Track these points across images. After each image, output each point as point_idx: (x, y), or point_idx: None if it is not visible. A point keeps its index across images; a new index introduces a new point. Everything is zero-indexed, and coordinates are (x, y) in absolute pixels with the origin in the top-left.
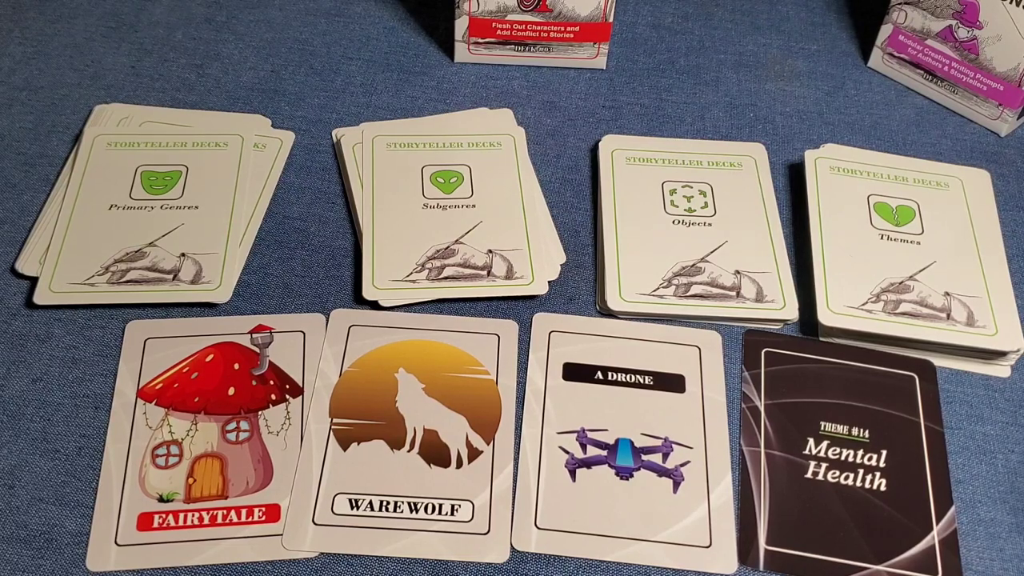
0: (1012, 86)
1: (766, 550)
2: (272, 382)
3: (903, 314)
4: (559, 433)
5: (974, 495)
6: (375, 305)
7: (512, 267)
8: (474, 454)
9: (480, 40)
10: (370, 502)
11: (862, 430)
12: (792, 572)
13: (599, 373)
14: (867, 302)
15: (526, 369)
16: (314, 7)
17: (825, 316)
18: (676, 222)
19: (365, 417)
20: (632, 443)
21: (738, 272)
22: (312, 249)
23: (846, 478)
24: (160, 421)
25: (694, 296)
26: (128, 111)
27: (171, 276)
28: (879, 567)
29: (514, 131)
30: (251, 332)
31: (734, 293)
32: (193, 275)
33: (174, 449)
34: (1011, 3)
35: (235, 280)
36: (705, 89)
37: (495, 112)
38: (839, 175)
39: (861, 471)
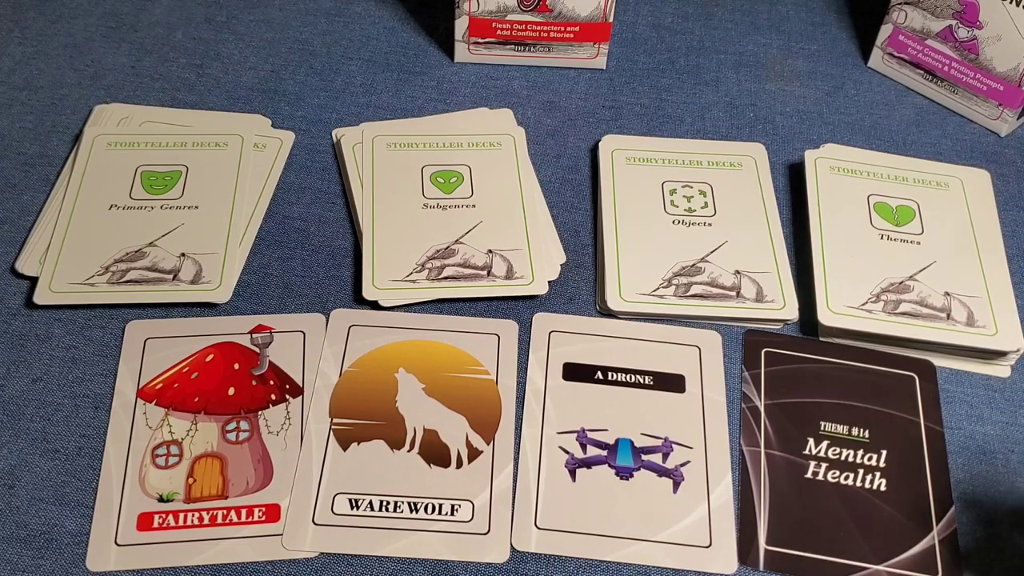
0: (1012, 86)
1: (766, 550)
2: (272, 382)
3: (903, 314)
4: (559, 433)
5: (974, 495)
6: (375, 305)
7: (512, 267)
8: (474, 454)
9: (480, 40)
10: (370, 502)
11: (862, 430)
12: (792, 572)
13: (599, 373)
14: (867, 302)
15: (526, 369)
16: (314, 7)
17: (825, 316)
18: (676, 222)
19: (365, 417)
20: (632, 443)
21: (738, 272)
22: (312, 249)
23: (846, 478)
24: (160, 421)
25: (694, 296)
26: (128, 111)
27: (171, 276)
28: (879, 567)
29: (514, 131)
30: (251, 332)
31: (734, 293)
32: (193, 275)
33: (174, 449)
34: (1011, 3)
35: (235, 280)
36: (705, 89)
37: (495, 112)
38: (839, 175)
39: (861, 471)
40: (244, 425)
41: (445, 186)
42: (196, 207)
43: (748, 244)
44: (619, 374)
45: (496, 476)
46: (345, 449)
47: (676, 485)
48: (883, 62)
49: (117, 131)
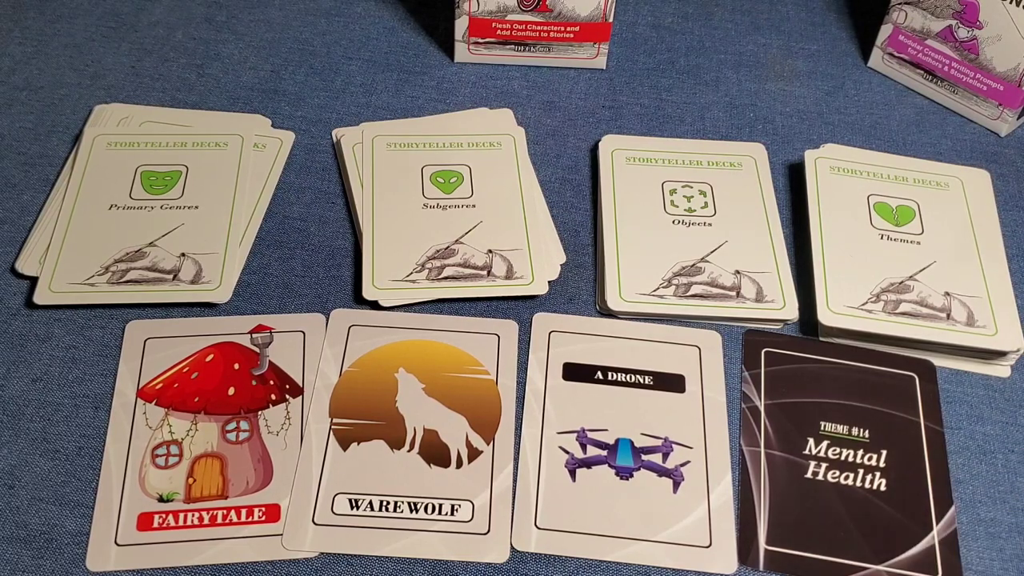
0: (1012, 86)
1: (766, 550)
2: (272, 382)
3: (903, 314)
4: (559, 433)
5: (974, 495)
6: (375, 305)
7: (512, 267)
8: (474, 454)
9: (480, 40)
10: (370, 502)
11: (862, 430)
12: (792, 572)
13: (599, 373)
14: (867, 302)
15: (526, 369)
16: (314, 7)
17: (825, 316)
18: (676, 222)
19: (365, 417)
20: (632, 443)
21: (738, 272)
22: (312, 249)
23: (846, 478)
24: (160, 421)
25: (694, 296)
26: (128, 111)
27: (171, 276)
28: (879, 567)
29: (514, 131)
30: (251, 332)
31: (734, 293)
32: (193, 275)
33: (174, 449)
34: (1011, 3)
35: (235, 280)
36: (705, 89)
37: (495, 112)
38: (839, 175)
39: (861, 471)
40: (244, 425)
41: (445, 186)
42: (196, 207)
43: (748, 244)
44: (619, 374)
45: (496, 476)
46: (345, 449)
47: (676, 485)
48: (883, 62)
49: (117, 131)
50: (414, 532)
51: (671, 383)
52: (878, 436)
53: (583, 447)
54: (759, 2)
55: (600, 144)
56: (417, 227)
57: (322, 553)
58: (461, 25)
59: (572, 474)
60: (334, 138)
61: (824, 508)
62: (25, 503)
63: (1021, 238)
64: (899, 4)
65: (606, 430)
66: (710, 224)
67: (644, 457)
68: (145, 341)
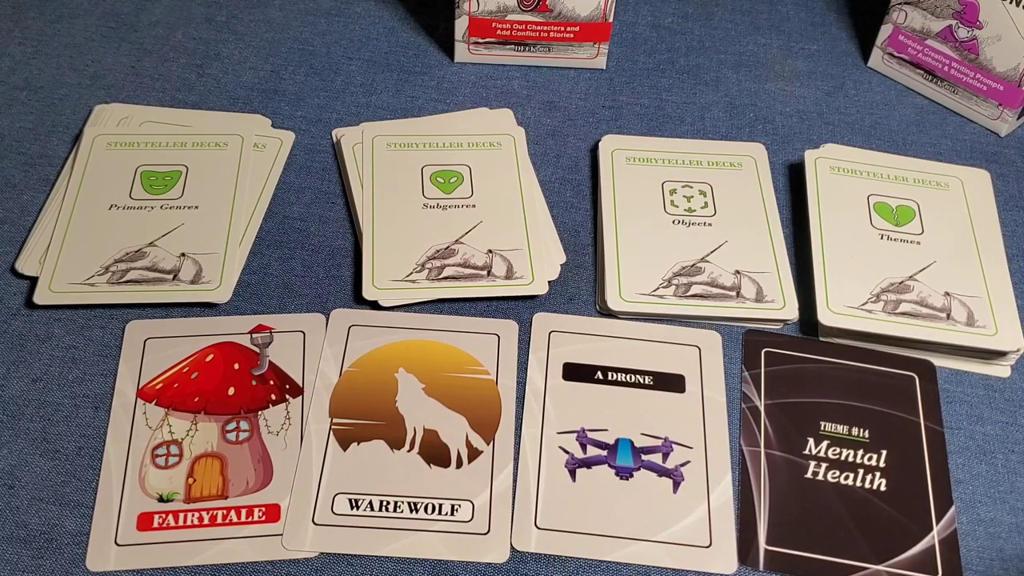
0: (1012, 86)
1: (766, 550)
2: (272, 382)
3: (903, 314)
4: (559, 433)
5: (974, 495)
6: (375, 305)
7: (512, 267)
8: (474, 454)
9: (480, 40)
10: (370, 502)
11: (862, 430)
12: (792, 572)
13: (599, 373)
14: (867, 302)
15: (526, 369)
16: (314, 7)
17: (825, 316)
18: (676, 222)
19: (365, 417)
20: (632, 443)
21: (738, 272)
22: (312, 249)
23: (846, 478)
24: (160, 421)
25: (694, 296)
26: (128, 111)
27: (171, 276)
28: (879, 567)
29: (514, 131)
30: (251, 332)
31: (734, 293)
32: (193, 275)
33: (174, 449)
34: (1011, 3)
35: (235, 280)
36: (705, 89)
37: (495, 112)
38: (839, 175)
39: (861, 471)
40: (244, 425)
41: (445, 186)
42: (196, 207)
43: (748, 244)
44: (619, 374)
45: (496, 476)
46: (345, 449)
47: (676, 485)
48: (883, 62)
49: (117, 131)
50: (414, 532)
51: (671, 383)
52: (878, 436)
53: (583, 447)
54: (759, 2)
55: (600, 144)
56: (417, 227)
57: (322, 553)
58: (461, 25)
59: (572, 474)
60: (334, 138)
61: (824, 508)
62: (25, 503)
63: (1021, 238)
64: (899, 4)
65: (606, 430)
66: (710, 224)
67: (644, 457)
68: (145, 341)
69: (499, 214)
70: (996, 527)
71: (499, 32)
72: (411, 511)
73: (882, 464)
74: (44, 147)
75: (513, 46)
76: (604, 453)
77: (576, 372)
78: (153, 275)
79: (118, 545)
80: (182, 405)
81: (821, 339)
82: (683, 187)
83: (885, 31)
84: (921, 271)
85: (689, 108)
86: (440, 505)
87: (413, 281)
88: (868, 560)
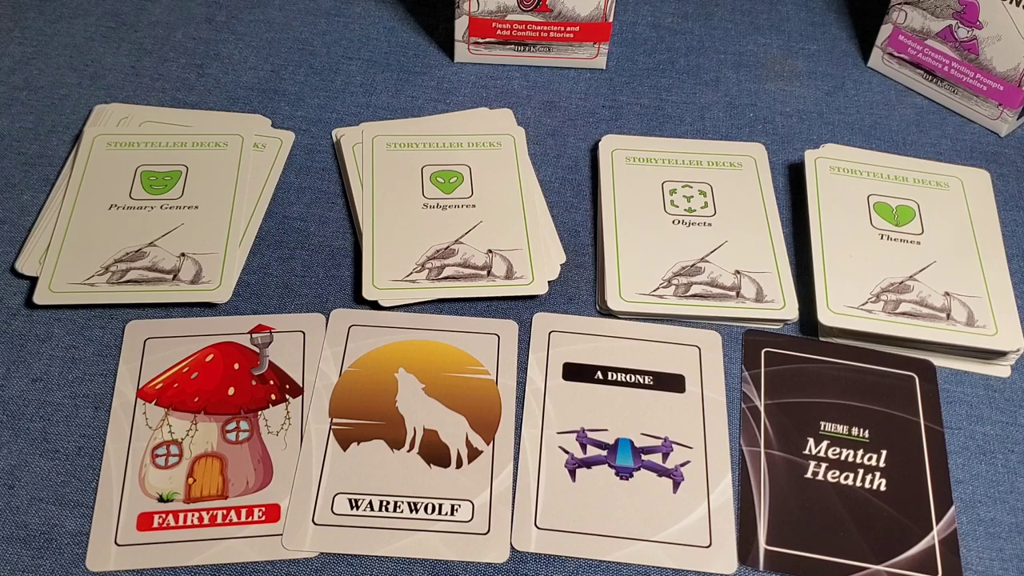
0: (1012, 86)
1: (766, 550)
2: (272, 382)
3: (903, 314)
4: (559, 433)
5: (974, 495)
6: (375, 305)
7: (512, 267)
8: (474, 454)
9: (480, 40)
10: (370, 502)
11: (862, 430)
12: (792, 572)
13: (599, 373)
14: (867, 302)
15: (526, 369)
16: (314, 7)
17: (825, 316)
18: (676, 222)
19: (365, 417)
20: (632, 443)
21: (738, 272)
22: (312, 249)
23: (846, 478)
24: (160, 421)
25: (694, 296)
26: (128, 111)
27: (171, 276)
28: (879, 567)
29: (514, 131)
30: (251, 332)
31: (734, 293)
32: (193, 275)
33: (174, 449)
34: (1011, 3)
35: (235, 280)
36: (705, 89)
37: (495, 112)
38: (839, 175)
39: (861, 471)
40: (244, 425)
41: (445, 186)
42: (196, 207)
43: (748, 244)
44: (619, 374)
45: (496, 476)
46: (345, 449)
47: (676, 485)
48: (883, 62)
49: (117, 131)
50: (414, 532)
51: (671, 383)
52: (878, 436)
53: (583, 447)
54: (759, 2)
55: (600, 144)
56: (417, 227)
57: (322, 553)
58: (461, 25)
59: (572, 474)
60: (334, 138)
61: (824, 508)
62: (25, 503)
63: (1021, 238)
64: (899, 4)
65: (606, 430)
66: (710, 224)
67: (644, 457)
68: (145, 341)
69: (499, 214)
70: (996, 527)
71: (499, 32)
72: (411, 511)
73: (882, 464)
74: (44, 147)
75: (513, 46)
76: (604, 453)
77: (576, 372)
78: (153, 275)
79: (118, 545)
80: (182, 405)
81: (821, 339)
82: (683, 187)
83: (885, 31)
84: (921, 271)
85: (689, 108)
86: (440, 505)
87: (413, 281)
88: (868, 560)
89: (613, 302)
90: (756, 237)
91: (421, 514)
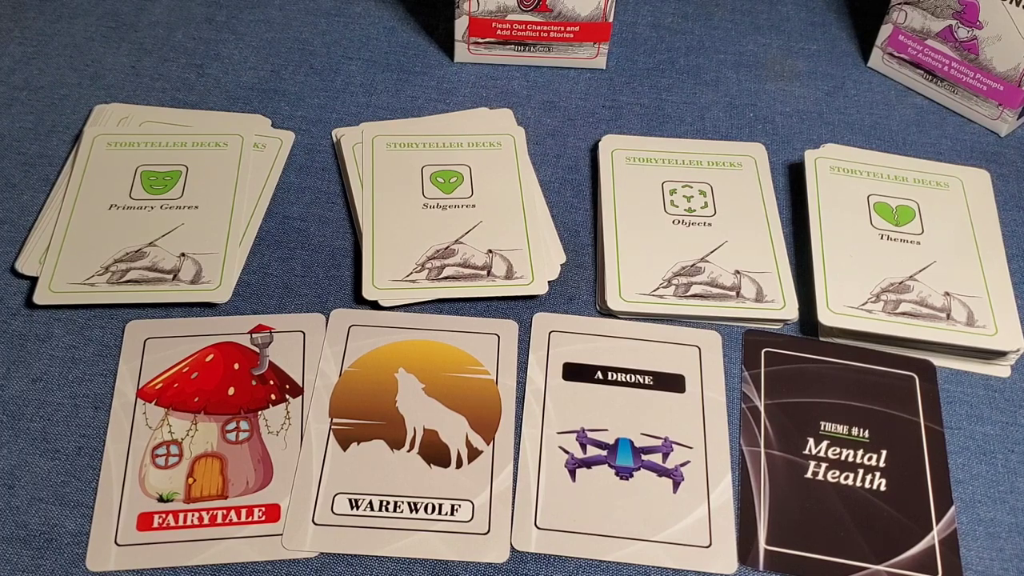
0: (1012, 86)
1: (766, 550)
2: (272, 382)
3: (903, 314)
4: (559, 433)
5: (974, 495)
6: (375, 305)
7: (512, 267)
8: (474, 454)
9: (480, 40)
10: (370, 502)
11: (862, 430)
12: (792, 572)
13: (599, 373)
14: (867, 302)
15: (526, 369)
16: (314, 7)
17: (825, 316)
18: (676, 222)
19: (365, 417)
20: (632, 443)
21: (738, 272)
22: (312, 249)
23: (846, 478)
24: (160, 421)
25: (694, 296)
26: (128, 111)
27: (171, 276)
28: (879, 567)
29: (514, 131)
30: (251, 332)
31: (734, 293)
32: (193, 275)
33: (174, 449)
34: (1011, 3)
35: (235, 280)
36: (705, 89)
37: (495, 112)
38: (839, 175)
39: (861, 471)
40: (244, 425)
41: (445, 186)
42: (196, 207)
43: (748, 244)
44: (619, 374)
45: (496, 476)
46: (345, 449)
47: (676, 485)
48: (883, 62)
49: (117, 131)
50: (414, 532)
51: (671, 383)
52: (878, 436)
53: (583, 447)
54: (759, 2)
55: (600, 144)
56: (417, 227)
57: (322, 553)
58: (461, 25)
59: (572, 474)
60: (334, 138)
61: (824, 508)
62: (25, 503)
63: (1021, 238)
64: (899, 4)
65: (606, 430)
66: (710, 224)
67: (644, 457)
68: (145, 341)
69: (499, 214)
70: (996, 527)
71: (499, 32)
72: (411, 511)
73: (882, 464)
74: (44, 147)
75: (513, 46)
76: (604, 453)
77: (576, 372)
78: (153, 275)
79: (118, 545)
80: (182, 405)
81: (821, 339)
82: (683, 187)
83: (885, 31)
84: (921, 271)
85: (689, 108)
86: (440, 505)
87: (413, 281)
88: (868, 560)
89: (613, 302)
90: (756, 237)
91: (421, 514)
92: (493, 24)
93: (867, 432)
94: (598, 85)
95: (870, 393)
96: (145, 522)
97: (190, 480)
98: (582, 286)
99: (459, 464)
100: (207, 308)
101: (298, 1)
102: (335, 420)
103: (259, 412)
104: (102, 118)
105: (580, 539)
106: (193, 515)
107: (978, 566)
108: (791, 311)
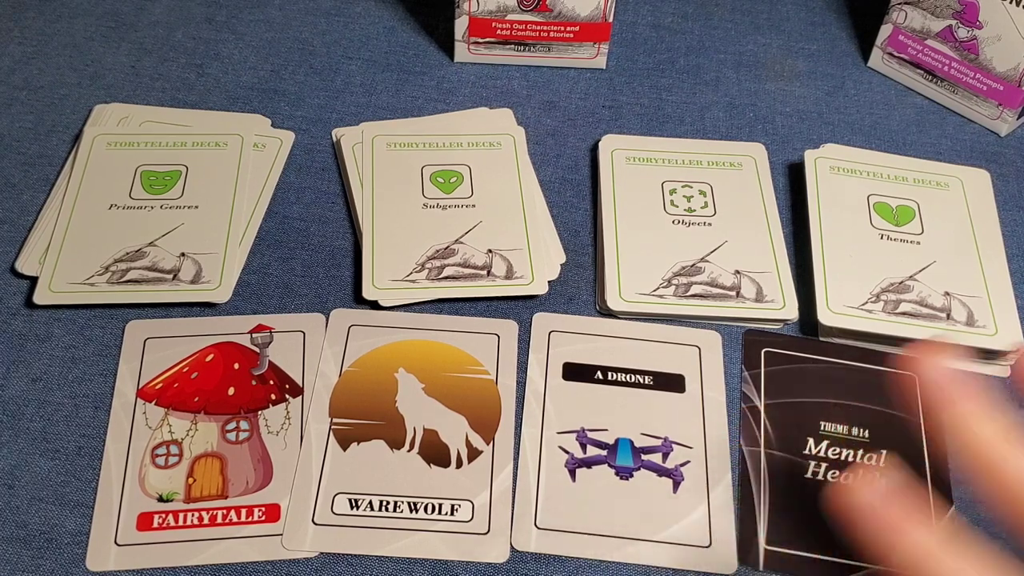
0: (1012, 86)
1: (766, 550)
2: (272, 382)
3: (903, 314)
4: (559, 433)
5: (974, 495)
6: (375, 305)
7: (512, 267)
8: (474, 454)
9: (480, 40)
10: (370, 502)
11: (862, 430)
12: (792, 572)
13: (599, 373)
14: (867, 302)
15: (526, 369)
16: (314, 7)
17: (825, 316)
18: (676, 222)
19: (365, 417)
20: (632, 443)
21: (738, 272)
22: (312, 249)
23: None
24: (160, 421)
25: (694, 296)
26: (128, 111)
27: (171, 276)
28: (879, 567)
29: (514, 131)
30: (251, 332)
31: (734, 293)
32: (193, 275)
33: (174, 449)
34: (1011, 3)
35: (235, 280)
36: (705, 89)
37: (495, 112)
38: (839, 175)
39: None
40: (244, 425)
41: (445, 186)
42: (196, 207)
43: (748, 244)
44: (619, 374)
45: (496, 476)
46: (345, 449)
47: (676, 485)
48: (883, 62)
49: (117, 131)
50: (414, 532)
51: (671, 383)
52: (878, 436)
53: (583, 447)
54: (759, 2)
55: (600, 144)
56: (417, 227)
57: (322, 553)
58: (461, 25)
59: (572, 474)
60: (334, 138)
61: (824, 508)
62: (25, 503)
63: (1021, 238)
64: (899, 4)
65: (606, 430)
66: (710, 224)
67: (644, 457)
68: (145, 341)
69: (499, 214)
70: (996, 527)
71: (499, 32)
72: (411, 511)
73: (882, 464)
74: (44, 147)
75: (513, 46)
76: (604, 453)
77: (576, 372)
78: (153, 275)
79: (118, 545)
80: (182, 405)
81: (821, 339)
82: (683, 187)
83: (885, 31)
84: (921, 271)
85: (689, 108)
86: (440, 505)
87: (413, 281)
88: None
89: (613, 302)
90: (756, 237)
91: (421, 514)
92: (493, 24)
93: (867, 432)
94: (598, 85)
95: (870, 393)
96: (145, 522)
97: (190, 480)
98: (582, 286)
99: (459, 464)
100: (207, 308)
101: (298, 1)
102: (335, 420)
103: (259, 412)
104: (102, 118)
105: (580, 539)
106: (193, 515)
107: None
108: (791, 311)
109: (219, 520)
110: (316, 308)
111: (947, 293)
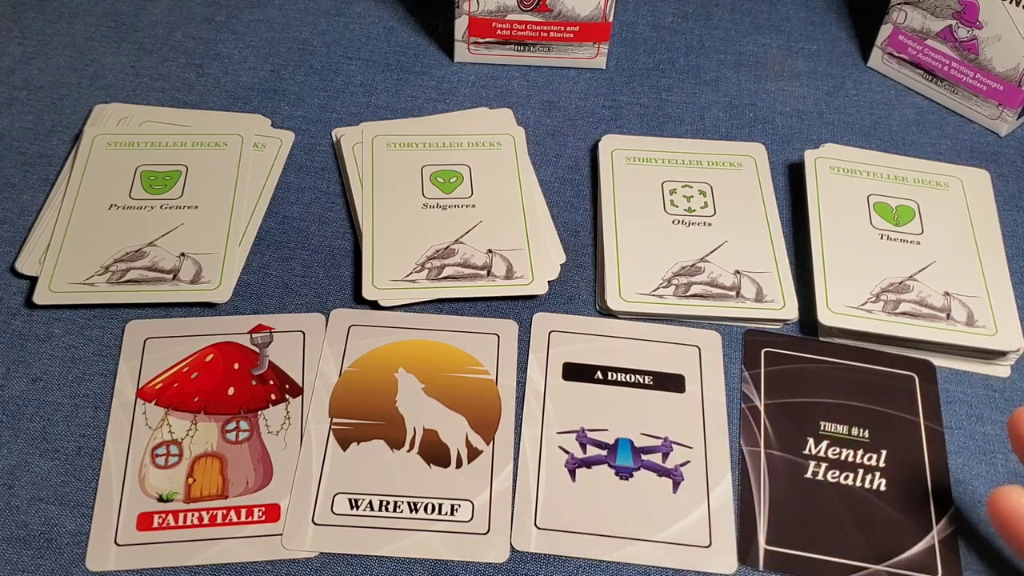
0: (1012, 86)
1: (766, 550)
2: (272, 382)
3: (903, 314)
4: (559, 433)
5: (974, 495)
6: (375, 305)
7: (512, 267)
8: (474, 454)
9: (480, 40)
10: (370, 502)
11: (862, 430)
12: (792, 572)
13: (599, 373)
14: (867, 302)
15: (526, 369)
16: (314, 7)
17: (825, 316)
18: (676, 222)
19: (365, 417)
20: (632, 443)
21: (738, 272)
22: (312, 249)
23: (846, 478)
24: (160, 421)
25: (694, 296)
26: (128, 111)
27: (171, 276)
28: (879, 567)
29: (514, 131)
30: (251, 332)
31: (734, 293)
32: (193, 275)
33: (174, 449)
34: (1011, 3)
35: (235, 280)
36: (705, 89)
37: (495, 112)
38: (839, 175)
39: (861, 471)
40: (244, 425)
41: (445, 186)
42: (196, 207)
43: (748, 244)
44: (619, 374)
45: (496, 476)
46: (345, 449)
47: (676, 485)
48: (883, 62)
49: (117, 131)
50: (414, 532)
51: (671, 383)
52: (878, 436)
53: (583, 447)
54: (759, 2)
55: (600, 144)
56: (417, 227)
57: (322, 553)
58: (461, 25)
59: (572, 474)
60: (334, 138)
61: (824, 508)
62: (25, 503)
63: (1021, 238)
64: (899, 4)
65: (606, 430)
66: (710, 224)
67: (644, 457)
68: (145, 341)
69: (499, 214)
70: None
71: (499, 32)
72: (411, 511)
73: (882, 464)
74: (44, 147)
75: (513, 46)
76: (604, 453)
77: (576, 372)
78: (153, 275)
79: (118, 545)
80: (182, 405)
81: (821, 339)
82: (683, 187)
83: (885, 31)
84: (921, 271)
85: (689, 108)
86: (440, 505)
87: (413, 281)
88: (868, 560)
89: (613, 302)
90: (756, 237)
91: (421, 514)
92: (493, 24)
93: (867, 432)
94: (598, 85)
95: (870, 393)
96: (145, 522)
97: (190, 480)
98: (582, 286)
99: (459, 464)
100: (207, 308)
101: (298, 1)
102: (335, 420)
103: (259, 412)
104: (102, 118)
105: (580, 539)
106: (193, 515)
107: (978, 566)
108: (791, 311)
109: (219, 520)
110: (316, 308)
111: (947, 293)
